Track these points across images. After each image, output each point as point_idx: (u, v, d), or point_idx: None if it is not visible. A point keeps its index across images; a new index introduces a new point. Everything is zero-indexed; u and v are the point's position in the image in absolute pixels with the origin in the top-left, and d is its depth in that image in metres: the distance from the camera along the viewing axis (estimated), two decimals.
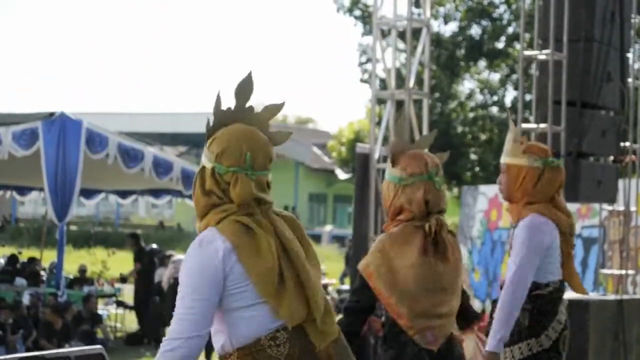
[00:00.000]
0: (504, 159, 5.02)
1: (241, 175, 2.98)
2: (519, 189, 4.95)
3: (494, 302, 5.13)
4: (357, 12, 29.79)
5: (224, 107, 3.09)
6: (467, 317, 4.52)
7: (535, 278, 4.94)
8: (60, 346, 11.02)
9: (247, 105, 3.09)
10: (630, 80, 9.33)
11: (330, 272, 22.24)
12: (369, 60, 29.31)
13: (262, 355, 2.95)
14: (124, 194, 17.11)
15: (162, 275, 14.36)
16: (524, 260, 4.83)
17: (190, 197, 14.38)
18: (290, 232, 3.04)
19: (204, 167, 3.04)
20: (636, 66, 9.97)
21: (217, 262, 2.92)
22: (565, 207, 5.06)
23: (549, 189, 4.96)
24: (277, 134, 3.13)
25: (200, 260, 2.93)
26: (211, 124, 3.09)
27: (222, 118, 3.08)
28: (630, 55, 9.31)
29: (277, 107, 3.13)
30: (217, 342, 3.04)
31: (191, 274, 2.93)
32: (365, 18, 29.15)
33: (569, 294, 5.18)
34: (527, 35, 17.10)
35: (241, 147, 3.00)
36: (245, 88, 3.08)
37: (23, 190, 17.77)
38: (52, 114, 11.79)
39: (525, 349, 4.90)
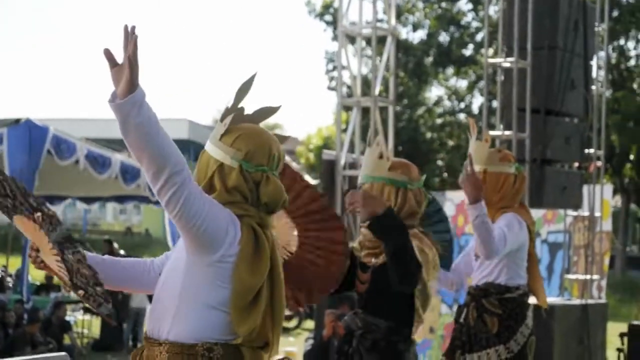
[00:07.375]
0: (481, 166, 5.06)
1: (271, 175, 2.88)
2: (498, 195, 5.08)
3: (459, 307, 5.19)
4: (328, 17, 29.82)
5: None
6: None
7: (506, 281, 5.05)
8: (26, 352, 10.92)
9: (240, 105, 2.91)
10: (594, 87, 9.42)
11: None
12: (335, 67, 29.38)
13: None
14: (90, 200, 17.00)
15: None
16: (507, 229, 4.89)
17: (157, 203, 14.37)
18: (278, 248, 2.94)
19: (222, 164, 2.84)
20: (600, 73, 10.07)
21: (229, 222, 2.77)
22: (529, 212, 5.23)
23: (520, 193, 5.18)
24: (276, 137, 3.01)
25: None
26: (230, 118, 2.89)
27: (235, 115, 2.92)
28: (593, 62, 9.39)
29: (271, 110, 2.97)
30: None
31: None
32: (335, 24, 29.21)
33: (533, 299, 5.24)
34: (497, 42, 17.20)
35: (271, 147, 2.89)
36: (243, 88, 2.89)
37: None
38: (17, 120, 11.71)
39: (494, 355, 4.94)
